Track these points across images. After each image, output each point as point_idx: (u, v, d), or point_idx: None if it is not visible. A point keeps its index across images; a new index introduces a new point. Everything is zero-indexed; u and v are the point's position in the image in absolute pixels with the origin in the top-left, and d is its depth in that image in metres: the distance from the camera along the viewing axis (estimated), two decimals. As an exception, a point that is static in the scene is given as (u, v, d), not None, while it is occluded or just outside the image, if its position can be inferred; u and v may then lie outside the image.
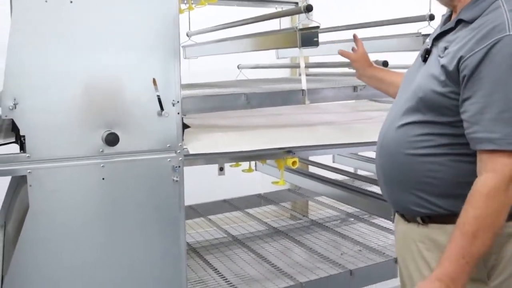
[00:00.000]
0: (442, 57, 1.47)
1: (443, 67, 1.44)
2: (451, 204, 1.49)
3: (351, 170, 4.42)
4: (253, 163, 4.05)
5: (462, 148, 1.45)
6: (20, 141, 1.87)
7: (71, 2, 1.81)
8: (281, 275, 2.60)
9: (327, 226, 3.36)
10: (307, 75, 2.46)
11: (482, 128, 1.36)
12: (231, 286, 2.47)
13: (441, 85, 1.45)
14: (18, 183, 3.32)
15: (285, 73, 4.70)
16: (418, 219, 1.58)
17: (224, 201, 3.86)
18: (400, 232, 1.72)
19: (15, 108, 1.79)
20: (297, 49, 3.84)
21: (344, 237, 3.15)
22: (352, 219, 3.54)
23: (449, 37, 1.51)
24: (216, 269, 2.70)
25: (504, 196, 1.35)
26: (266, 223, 3.52)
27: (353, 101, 4.38)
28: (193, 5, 2.83)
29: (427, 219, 1.56)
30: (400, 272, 1.79)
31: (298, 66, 3.87)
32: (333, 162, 4.08)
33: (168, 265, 2.09)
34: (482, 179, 1.38)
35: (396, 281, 2.93)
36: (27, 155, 1.83)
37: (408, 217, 1.63)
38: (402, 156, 1.56)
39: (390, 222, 3.42)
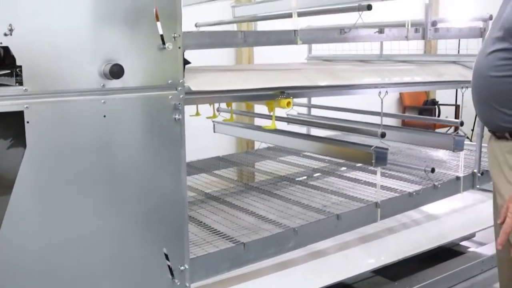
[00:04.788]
0: None
1: None
2: None
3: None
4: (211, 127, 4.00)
5: None
6: (15, 73, 1.68)
7: None
8: (270, 223, 2.57)
9: (299, 180, 3.37)
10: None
11: None
12: (223, 236, 2.40)
13: None
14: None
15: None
16: (507, 134, 1.85)
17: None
18: (491, 149, 1.97)
19: (11, 34, 1.61)
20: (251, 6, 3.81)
21: (319, 189, 3.16)
22: (319, 173, 3.56)
23: None
24: (201, 222, 2.62)
25: None
26: (237, 180, 3.47)
27: (306, 61, 4.45)
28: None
29: None
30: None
31: (261, 19, 3.82)
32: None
33: (169, 205, 2.01)
34: None
35: (377, 225, 3.02)
36: (24, 88, 1.66)
37: (499, 134, 1.90)
38: (489, 79, 1.82)
39: (356, 173, 3.51)
